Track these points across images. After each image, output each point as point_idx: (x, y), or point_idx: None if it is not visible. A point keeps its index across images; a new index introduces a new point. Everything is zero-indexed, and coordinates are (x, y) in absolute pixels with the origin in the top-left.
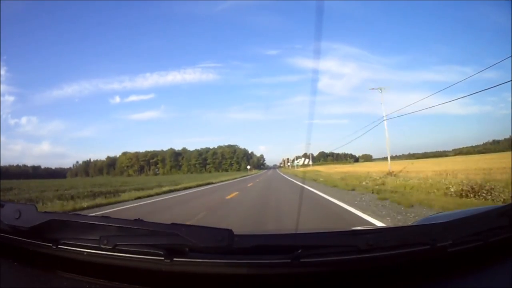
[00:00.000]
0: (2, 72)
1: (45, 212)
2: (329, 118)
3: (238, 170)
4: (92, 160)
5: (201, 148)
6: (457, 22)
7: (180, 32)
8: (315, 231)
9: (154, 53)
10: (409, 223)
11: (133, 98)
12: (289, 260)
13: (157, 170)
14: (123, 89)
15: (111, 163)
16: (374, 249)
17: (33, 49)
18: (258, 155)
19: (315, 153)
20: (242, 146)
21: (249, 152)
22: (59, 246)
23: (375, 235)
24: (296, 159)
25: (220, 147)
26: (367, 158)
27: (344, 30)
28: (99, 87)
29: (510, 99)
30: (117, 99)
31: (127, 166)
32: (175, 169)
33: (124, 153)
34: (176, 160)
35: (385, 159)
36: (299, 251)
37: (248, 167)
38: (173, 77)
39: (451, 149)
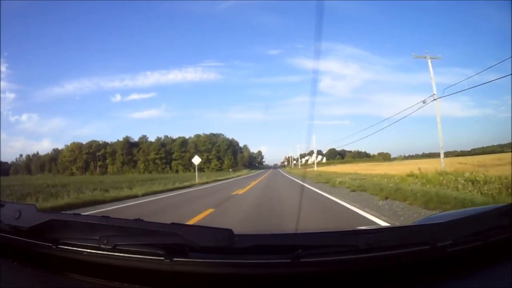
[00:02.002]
0: (3, 69)
1: (45, 212)
2: (331, 119)
3: (220, 169)
4: (39, 153)
5: (165, 137)
6: (459, 24)
7: (181, 30)
8: (315, 231)
9: (155, 52)
10: (409, 223)
11: (134, 96)
12: (289, 260)
13: (106, 166)
14: (124, 87)
15: (55, 157)
16: (374, 249)
17: (35, 46)
18: (255, 151)
19: (324, 151)
20: (229, 136)
21: (239, 145)
22: (59, 246)
23: (375, 235)
24: (304, 156)
25: (197, 135)
26: (386, 156)
27: (347, 31)
28: (100, 85)
29: (510, 102)
30: (118, 97)
31: (70, 162)
32: (129, 165)
33: (67, 145)
34: (130, 154)
35: (407, 157)
36: (299, 251)
37: (195, 160)
38: (174, 75)
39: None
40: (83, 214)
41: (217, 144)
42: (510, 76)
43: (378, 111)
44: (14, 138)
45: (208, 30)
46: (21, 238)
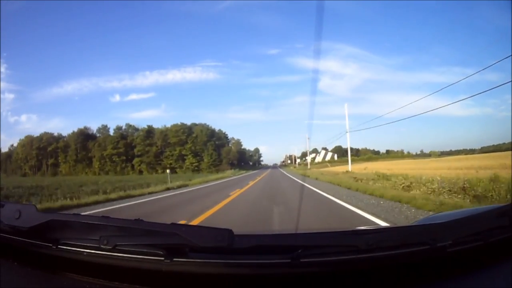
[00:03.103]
0: (2, 70)
1: (45, 212)
2: (331, 118)
3: (197, 169)
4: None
5: (127, 126)
6: (458, 23)
7: (181, 30)
8: (315, 231)
9: (154, 52)
10: (409, 223)
11: (133, 96)
12: (289, 260)
13: (58, 165)
14: (123, 88)
15: (11, 155)
16: (374, 249)
17: (34, 46)
18: (252, 149)
19: (330, 148)
20: (214, 127)
21: (227, 138)
22: (59, 246)
23: (375, 235)
24: (310, 154)
25: (175, 125)
26: (399, 154)
27: (347, 30)
28: (99, 86)
29: (510, 101)
30: (117, 97)
31: (22, 160)
32: (82, 164)
33: (22, 139)
34: (85, 149)
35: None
36: (299, 251)
37: None
38: (173, 76)
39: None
40: (83, 214)
41: (194, 135)
42: (510, 76)
43: (378, 110)
44: (13, 139)
45: (207, 30)
46: (21, 238)
